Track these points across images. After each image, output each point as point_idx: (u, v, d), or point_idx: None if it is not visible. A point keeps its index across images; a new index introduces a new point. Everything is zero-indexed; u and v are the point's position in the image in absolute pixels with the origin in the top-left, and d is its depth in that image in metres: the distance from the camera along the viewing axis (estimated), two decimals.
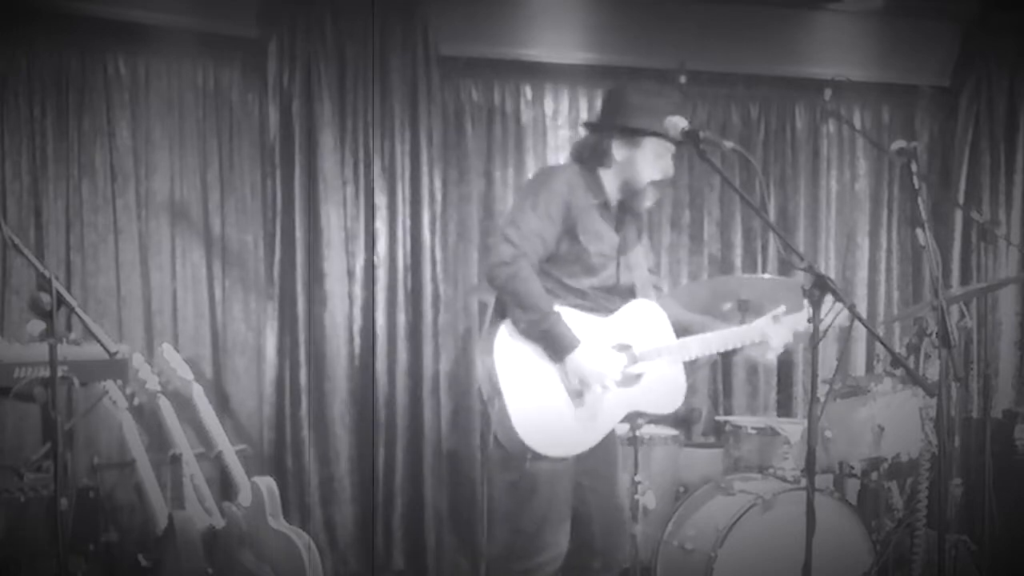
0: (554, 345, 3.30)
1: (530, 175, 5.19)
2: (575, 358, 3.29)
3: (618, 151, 3.45)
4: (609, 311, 3.47)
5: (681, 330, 3.56)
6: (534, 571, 3.36)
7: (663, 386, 3.52)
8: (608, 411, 3.41)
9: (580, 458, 3.39)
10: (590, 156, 3.49)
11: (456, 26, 5.18)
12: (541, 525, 3.36)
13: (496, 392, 3.27)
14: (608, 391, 3.35)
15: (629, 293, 3.54)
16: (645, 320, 3.52)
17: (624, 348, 3.45)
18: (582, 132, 3.72)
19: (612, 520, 3.58)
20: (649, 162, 3.44)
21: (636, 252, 3.59)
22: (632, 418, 3.69)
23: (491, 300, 3.41)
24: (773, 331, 3.47)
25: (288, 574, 4.07)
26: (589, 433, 3.39)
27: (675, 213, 5.58)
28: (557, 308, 3.32)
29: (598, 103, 5.45)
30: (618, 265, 3.50)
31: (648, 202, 3.53)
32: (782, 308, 3.48)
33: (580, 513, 3.48)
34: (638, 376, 3.46)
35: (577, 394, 3.34)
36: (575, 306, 3.40)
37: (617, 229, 3.51)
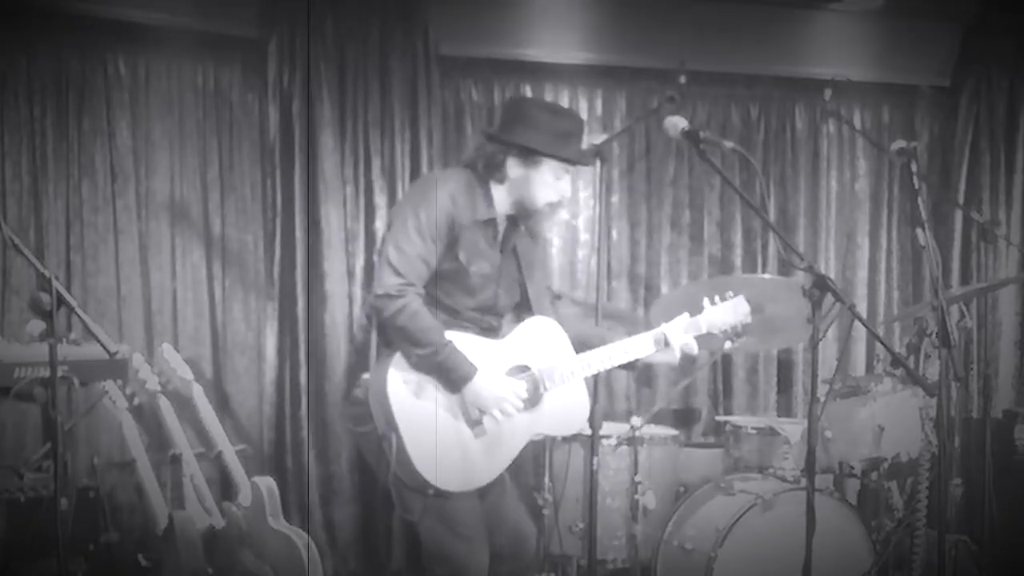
0: (450, 377, 3.15)
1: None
2: (473, 387, 3.16)
3: (513, 168, 3.27)
4: (486, 331, 3.32)
5: (580, 345, 3.40)
6: None
7: (566, 405, 3.39)
8: (510, 438, 3.28)
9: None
10: (485, 167, 3.28)
11: (456, 26, 5.17)
12: (458, 558, 3.23)
13: (392, 428, 3.12)
14: (510, 418, 3.22)
15: (508, 311, 3.41)
16: (543, 339, 3.38)
17: (522, 370, 3.32)
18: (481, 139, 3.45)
19: (519, 529, 3.47)
20: (547, 183, 3.27)
21: (534, 273, 3.43)
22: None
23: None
24: (672, 336, 3.38)
25: (288, 574, 4.07)
26: (492, 463, 3.27)
27: (675, 213, 5.57)
28: (450, 336, 3.16)
29: (598, 103, 5.53)
30: (498, 286, 3.35)
31: (546, 223, 3.38)
32: (684, 315, 3.41)
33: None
34: (539, 398, 3.32)
35: (477, 423, 3.21)
36: (461, 327, 3.25)
37: (502, 249, 3.35)
